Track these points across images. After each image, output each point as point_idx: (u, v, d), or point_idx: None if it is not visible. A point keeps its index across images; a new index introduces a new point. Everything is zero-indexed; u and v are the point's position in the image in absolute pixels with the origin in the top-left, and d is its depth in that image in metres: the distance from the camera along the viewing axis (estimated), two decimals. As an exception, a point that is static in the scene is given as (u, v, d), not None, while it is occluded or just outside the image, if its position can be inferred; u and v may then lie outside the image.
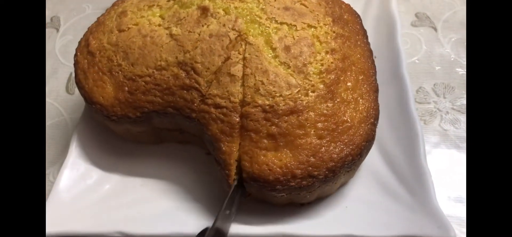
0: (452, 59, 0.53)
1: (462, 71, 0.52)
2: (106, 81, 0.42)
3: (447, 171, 0.44)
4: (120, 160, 0.46)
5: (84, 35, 0.47)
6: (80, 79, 0.44)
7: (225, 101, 0.38)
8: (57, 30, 0.66)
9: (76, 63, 0.45)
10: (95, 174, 0.45)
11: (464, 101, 0.49)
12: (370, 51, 0.44)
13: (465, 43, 0.54)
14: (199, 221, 0.41)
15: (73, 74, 0.49)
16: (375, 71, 0.42)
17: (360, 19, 0.46)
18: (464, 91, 0.50)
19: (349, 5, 0.47)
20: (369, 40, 0.46)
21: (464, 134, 0.46)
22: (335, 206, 0.41)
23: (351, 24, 0.44)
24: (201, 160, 0.45)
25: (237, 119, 0.38)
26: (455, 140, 0.46)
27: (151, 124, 0.43)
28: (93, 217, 0.41)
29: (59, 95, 0.57)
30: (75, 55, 0.46)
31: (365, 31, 0.45)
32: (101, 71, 0.43)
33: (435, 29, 0.56)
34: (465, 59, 0.53)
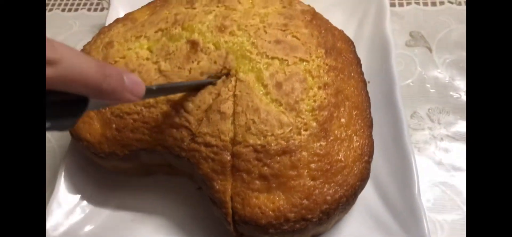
0: (447, 81, 0.52)
1: (456, 95, 0.51)
2: (93, 117, 0.41)
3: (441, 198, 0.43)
4: (109, 193, 0.45)
5: (70, 65, 0.45)
6: (66, 114, 0.42)
7: (215, 140, 0.37)
8: (44, 49, 0.64)
9: (62, 96, 0.44)
10: (84, 209, 0.44)
11: (459, 128, 0.48)
12: (364, 82, 0.43)
13: (460, 65, 0.53)
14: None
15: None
16: (369, 104, 0.41)
17: (354, 47, 0.45)
18: (459, 117, 0.49)
19: (342, 32, 0.46)
20: (363, 63, 0.46)
21: (458, 162, 0.46)
22: (329, 243, 0.40)
23: (344, 54, 0.43)
24: (193, 193, 0.44)
25: (229, 158, 0.37)
26: (449, 169, 0.45)
27: (139, 161, 0.42)
28: (83, 258, 0.40)
29: (47, 120, 0.55)
30: (61, 87, 0.44)
31: (358, 60, 0.44)
32: (87, 106, 0.41)
33: (430, 50, 0.55)
34: (459, 82, 0.52)
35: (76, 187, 0.45)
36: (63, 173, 0.45)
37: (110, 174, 0.46)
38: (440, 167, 0.46)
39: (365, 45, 0.51)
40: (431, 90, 0.52)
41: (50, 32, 0.67)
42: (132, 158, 0.40)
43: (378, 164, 0.43)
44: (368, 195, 0.41)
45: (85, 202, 0.45)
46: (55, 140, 0.54)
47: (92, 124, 0.41)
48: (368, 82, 0.47)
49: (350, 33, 0.51)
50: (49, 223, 0.42)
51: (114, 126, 0.40)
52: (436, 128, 0.49)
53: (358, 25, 0.54)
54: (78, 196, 0.45)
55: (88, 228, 0.43)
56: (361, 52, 0.49)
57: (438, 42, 0.56)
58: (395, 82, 0.45)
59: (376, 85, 0.47)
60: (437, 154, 0.47)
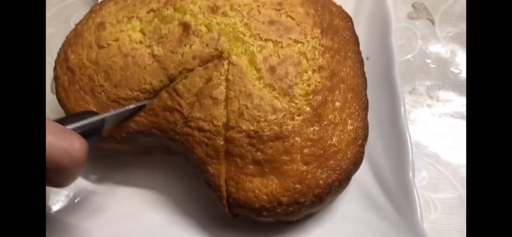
0: (448, 56, 0.51)
1: (457, 70, 0.50)
2: (89, 102, 0.41)
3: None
4: (108, 172, 0.46)
5: (63, 46, 0.45)
6: (61, 97, 0.43)
7: (208, 125, 0.37)
8: (39, 22, 0.63)
9: (56, 78, 0.44)
10: (84, 188, 0.45)
11: (458, 106, 0.48)
12: (361, 62, 0.42)
13: (462, 39, 0.52)
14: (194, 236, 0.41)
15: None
16: (366, 85, 0.41)
17: (352, 23, 0.44)
18: (459, 94, 0.48)
19: (340, 7, 0.45)
20: (361, 39, 0.44)
21: (455, 141, 0.45)
22: (322, 223, 0.41)
23: (341, 32, 0.42)
24: (190, 171, 0.45)
25: (222, 143, 0.37)
26: (446, 147, 0.45)
27: (137, 143, 0.42)
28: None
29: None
30: (55, 68, 0.44)
31: (356, 38, 0.43)
32: (82, 90, 0.41)
33: (433, 22, 0.53)
34: (461, 57, 0.51)
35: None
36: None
37: (108, 152, 0.47)
38: (436, 145, 0.46)
39: (365, 19, 0.49)
40: (432, 65, 0.50)
41: (45, 5, 0.65)
42: (129, 140, 0.41)
43: (374, 143, 0.42)
44: (362, 174, 0.42)
45: (84, 180, 0.46)
46: (53, 116, 0.54)
47: (88, 108, 0.41)
48: (367, 59, 0.46)
49: (349, 6, 0.49)
50: (49, 203, 0.43)
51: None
52: (435, 105, 0.48)
53: (358, -1, 0.52)
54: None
55: (88, 205, 0.44)
56: (360, 27, 0.47)
57: (441, 14, 0.54)
58: (394, 60, 0.44)
59: (374, 62, 0.46)
60: (434, 131, 0.46)
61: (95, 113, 0.37)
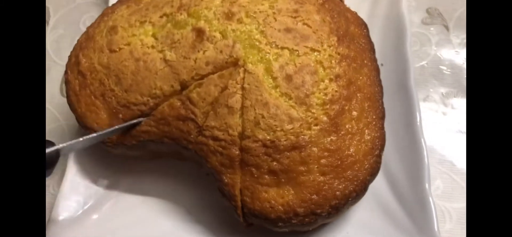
0: (463, 63, 0.50)
1: (473, 78, 0.49)
2: (99, 107, 0.41)
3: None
4: (119, 177, 0.46)
5: (74, 49, 0.44)
6: (72, 101, 0.42)
7: (223, 134, 0.36)
8: (47, 23, 0.63)
9: (67, 83, 0.43)
10: (94, 193, 0.45)
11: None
12: (377, 70, 0.41)
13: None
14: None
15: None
16: (382, 94, 0.40)
17: (367, 30, 0.43)
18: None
19: (355, 14, 0.44)
20: (377, 44, 0.44)
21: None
22: (337, 232, 0.40)
23: (357, 39, 0.41)
24: (202, 178, 0.45)
25: (237, 152, 0.36)
26: (461, 156, 0.45)
27: (148, 149, 0.41)
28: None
29: (54, 98, 0.54)
30: (66, 72, 0.43)
31: (372, 45, 0.42)
32: (93, 95, 0.41)
33: (447, 28, 0.53)
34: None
35: (85, 170, 0.45)
36: (72, 158, 0.45)
37: (119, 157, 0.46)
38: (451, 154, 0.45)
39: (380, 25, 0.49)
40: (446, 72, 0.50)
41: (52, 5, 0.65)
42: (139, 147, 0.40)
43: (389, 152, 0.42)
44: (377, 183, 0.41)
45: (94, 186, 0.45)
46: (63, 119, 0.53)
47: (98, 113, 0.40)
48: (381, 65, 0.45)
49: (364, 12, 0.48)
50: (60, 208, 0.42)
51: (120, 116, 0.40)
52: (449, 113, 0.47)
53: (373, 2, 0.51)
54: (88, 180, 0.45)
55: (98, 211, 0.44)
56: (375, 33, 0.46)
57: (456, 20, 0.53)
58: (409, 67, 0.44)
59: (389, 69, 0.45)
60: (449, 139, 0.46)
61: (52, 143, 0.35)
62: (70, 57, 0.44)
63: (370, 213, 0.41)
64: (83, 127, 0.41)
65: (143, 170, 0.46)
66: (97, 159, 0.46)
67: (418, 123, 0.41)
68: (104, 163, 0.46)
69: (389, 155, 0.42)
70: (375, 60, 0.42)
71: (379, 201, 0.41)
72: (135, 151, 0.42)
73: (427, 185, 0.39)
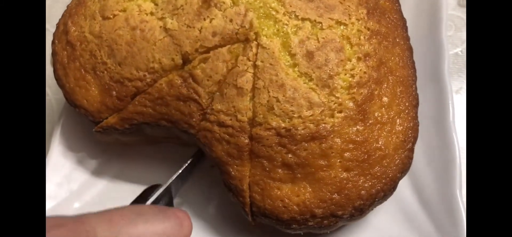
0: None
1: None
2: (90, 81, 0.35)
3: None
4: (109, 160, 0.41)
5: (63, 16, 0.39)
6: (59, 75, 0.37)
7: (231, 119, 0.31)
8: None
9: (54, 54, 0.38)
10: (80, 176, 0.40)
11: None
12: (410, 49, 0.36)
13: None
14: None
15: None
16: (416, 78, 0.35)
17: (399, 5, 0.37)
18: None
19: (386, -16, 0.38)
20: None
21: None
22: (354, 237, 0.35)
23: (388, 14, 0.35)
24: (205, 166, 0.40)
25: (246, 141, 0.31)
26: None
27: (143, 134, 0.37)
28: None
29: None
30: (53, 42, 0.38)
31: (404, 22, 0.37)
32: (83, 68, 0.36)
33: (486, 8, 0.46)
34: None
35: (72, 150, 0.40)
36: (58, 135, 0.40)
37: (110, 144, 0.41)
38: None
39: (411, 4, 0.43)
40: (484, 59, 0.44)
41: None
42: (133, 132, 0.35)
43: (416, 150, 0.36)
44: (400, 185, 0.36)
45: (81, 168, 0.40)
46: (52, 92, 0.49)
47: (89, 89, 0.35)
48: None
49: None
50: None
51: (114, 93, 0.35)
52: (486, 105, 0.42)
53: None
54: (74, 161, 0.40)
55: (84, 198, 0.39)
56: (405, 14, 0.41)
57: None
58: (444, 54, 0.38)
59: (419, 55, 0.39)
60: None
61: (159, 185, 0.34)
62: (58, 25, 0.39)
63: (391, 218, 0.36)
64: (72, 104, 0.36)
65: (135, 155, 0.41)
66: (85, 138, 0.41)
67: (451, 119, 0.36)
68: (92, 144, 0.41)
69: (416, 153, 0.36)
70: (408, 38, 0.36)
71: (401, 206, 0.36)
72: (129, 136, 0.37)
73: (458, 191, 0.34)
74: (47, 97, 0.48)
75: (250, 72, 0.31)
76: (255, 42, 0.31)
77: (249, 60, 0.31)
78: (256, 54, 0.31)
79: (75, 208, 0.38)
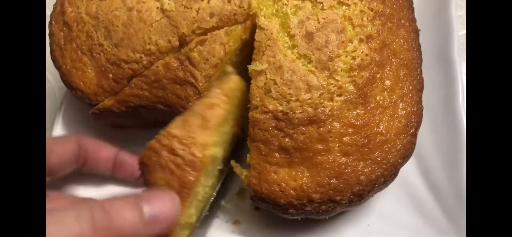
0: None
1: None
2: (86, 63, 0.35)
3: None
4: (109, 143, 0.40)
5: (59, -5, 0.38)
6: (56, 57, 0.36)
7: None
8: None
9: (51, 35, 0.37)
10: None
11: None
12: (416, 31, 0.34)
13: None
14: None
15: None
16: (421, 61, 0.33)
17: (405, -16, 0.36)
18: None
19: (391, -37, 0.36)
20: (415, 7, 0.36)
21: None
22: (356, 223, 0.35)
23: (393, -7, 0.34)
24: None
25: (244, 124, 0.30)
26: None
27: (140, 117, 0.36)
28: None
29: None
30: (50, 23, 0.38)
31: (410, 3, 0.35)
32: (80, 50, 0.35)
33: (497, -12, 0.44)
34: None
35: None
36: (60, 121, 0.40)
37: (106, 126, 0.41)
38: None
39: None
40: (494, 40, 0.42)
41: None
42: (130, 115, 0.35)
43: (423, 133, 0.35)
44: (407, 169, 0.35)
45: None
46: (54, 80, 0.48)
47: (85, 71, 0.35)
48: (419, 30, 0.38)
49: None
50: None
51: (110, 75, 0.34)
52: (495, 89, 0.40)
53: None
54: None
55: (82, 185, 0.39)
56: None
57: (509, -22, 0.45)
58: (453, 34, 0.37)
59: (428, 36, 0.38)
60: (494, 120, 0.39)
61: None
62: (55, 5, 0.38)
63: (397, 204, 0.35)
64: (68, 86, 0.36)
65: (134, 140, 0.40)
66: (86, 124, 0.41)
67: (460, 101, 0.35)
68: (92, 130, 0.41)
69: (423, 137, 0.35)
70: (414, 20, 0.35)
71: (408, 190, 0.35)
72: (126, 119, 0.36)
73: (466, 174, 0.33)
74: (49, 85, 0.48)
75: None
76: (252, 23, 0.30)
77: (247, 41, 0.30)
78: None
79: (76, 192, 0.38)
